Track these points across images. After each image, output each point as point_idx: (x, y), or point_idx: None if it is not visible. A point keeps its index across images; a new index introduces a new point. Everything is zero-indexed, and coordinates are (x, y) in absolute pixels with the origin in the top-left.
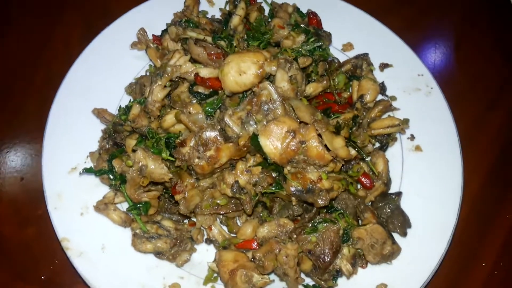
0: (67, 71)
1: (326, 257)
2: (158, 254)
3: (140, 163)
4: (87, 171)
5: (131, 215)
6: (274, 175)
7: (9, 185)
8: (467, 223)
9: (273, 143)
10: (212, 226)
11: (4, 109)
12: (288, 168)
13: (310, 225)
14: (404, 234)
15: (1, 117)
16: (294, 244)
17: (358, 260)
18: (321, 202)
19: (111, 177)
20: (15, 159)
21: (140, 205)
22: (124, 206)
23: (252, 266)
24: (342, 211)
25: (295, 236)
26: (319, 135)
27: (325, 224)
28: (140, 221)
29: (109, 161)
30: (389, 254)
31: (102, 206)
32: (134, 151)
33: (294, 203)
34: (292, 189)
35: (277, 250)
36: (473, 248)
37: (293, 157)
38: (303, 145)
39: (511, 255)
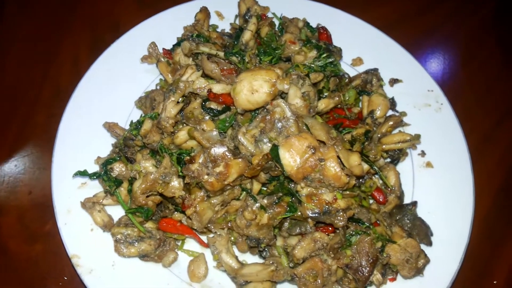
0: (75, 84)
1: (364, 269)
2: (143, 257)
3: (166, 170)
4: (81, 174)
5: (114, 221)
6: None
7: (17, 199)
8: (478, 240)
9: (292, 156)
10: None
11: (12, 122)
12: (302, 185)
13: (344, 239)
14: (430, 243)
15: (9, 130)
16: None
17: (388, 270)
18: (340, 223)
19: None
20: (23, 172)
21: (142, 210)
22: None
23: None
24: (367, 225)
25: (332, 254)
26: (337, 157)
27: (357, 237)
28: (136, 222)
29: (103, 165)
30: (423, 266)
31: (89, 204)
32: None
33: (311, 225)
34: (309, 212)
35: (321, 267)
36: (484, 265)
37: (310, 173)
38: (322, 163)
39: None
